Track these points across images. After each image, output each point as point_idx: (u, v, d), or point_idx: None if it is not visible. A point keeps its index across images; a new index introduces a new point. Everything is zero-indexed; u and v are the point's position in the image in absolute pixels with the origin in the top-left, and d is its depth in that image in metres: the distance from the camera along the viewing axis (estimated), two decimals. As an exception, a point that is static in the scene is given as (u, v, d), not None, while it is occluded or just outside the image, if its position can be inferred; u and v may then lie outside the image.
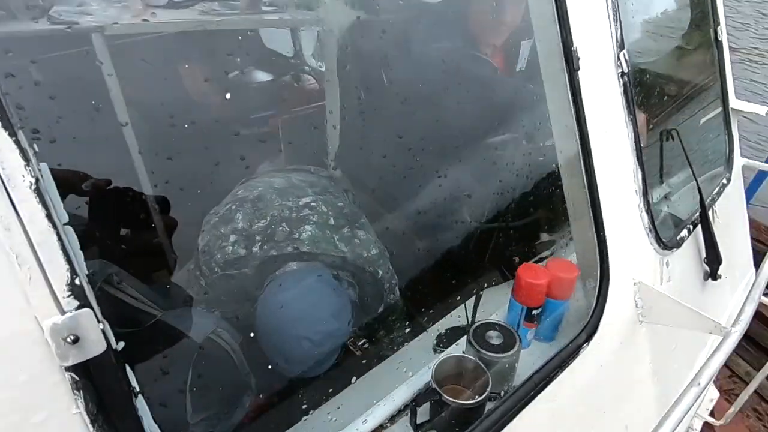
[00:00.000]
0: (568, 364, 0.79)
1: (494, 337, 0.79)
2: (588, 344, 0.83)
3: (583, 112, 0.80)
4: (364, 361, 1.02)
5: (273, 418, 0.94)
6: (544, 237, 1.31)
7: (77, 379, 0.37)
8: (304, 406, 0.86)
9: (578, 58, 0.77)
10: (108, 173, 0.57)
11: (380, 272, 1.13)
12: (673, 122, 1.48)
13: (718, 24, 1.38)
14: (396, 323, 1.17)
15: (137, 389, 0.40)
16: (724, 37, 1.41)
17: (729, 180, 1.43)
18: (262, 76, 2.31)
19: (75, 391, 0.37)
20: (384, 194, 1.48)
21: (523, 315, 0.86)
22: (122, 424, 0.39)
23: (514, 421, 0.71)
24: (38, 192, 0.35)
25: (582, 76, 0.80)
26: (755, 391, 2.26)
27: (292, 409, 0.87)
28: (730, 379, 2.21)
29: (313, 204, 1.13)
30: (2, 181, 0.33)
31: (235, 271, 1.06)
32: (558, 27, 0.75)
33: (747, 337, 2.28)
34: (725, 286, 1.48)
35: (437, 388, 0.70)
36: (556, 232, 1.27)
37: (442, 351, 0.96)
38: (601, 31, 0.86)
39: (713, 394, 2.06)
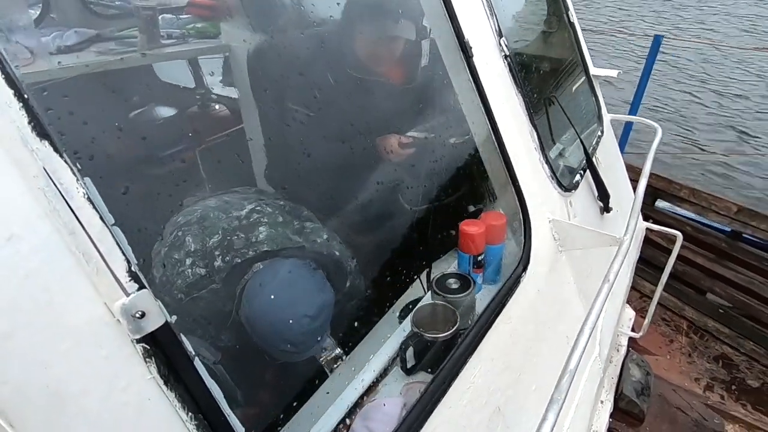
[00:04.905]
0: (514, 291, 0.97)
1: (453, 283, 0.95)
2: (525, 273, 1.02)
3: (484, 90, 0.99)
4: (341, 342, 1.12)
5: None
6: (471, 208, 1.51)
7: (147, 348, 0.44)
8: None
9: (471, 47, 0.96)
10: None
11: (337, 253, 1.23)
12: (553, 92, 1.78)
13: (568, 9, 1.69)
14: (363, 305, 1.28)
15: (193, 353, 0.49)
16: (574, 19, 1.73)
17: (603, 132, 1.75)
18: (166, 111, 2.29)
19: (147, 359, 0.44)
20: (319, 200, 1.59)
21: (471, 263, 1.02)
22: (189, 381, 0.47)
23: (483, 342, 0.86)
24: (89, 200, 0.42)
25: (476, 61, 0.99)
26: (660, 304, 2.71)
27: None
28: (641, 299, 2.63)
29: (258, 208, 1.19)
30: (62, 194, 0.41)
31: (202, 292, 1.09)
32: (450, 24, 0.93)
33: (646, 262, 2.72)
34: (618, 218, 1.80)
35: (417, 330, 0.83)
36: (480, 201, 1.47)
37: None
38: (483, 24, 1.06)
39: (630, 313, 2.44)
